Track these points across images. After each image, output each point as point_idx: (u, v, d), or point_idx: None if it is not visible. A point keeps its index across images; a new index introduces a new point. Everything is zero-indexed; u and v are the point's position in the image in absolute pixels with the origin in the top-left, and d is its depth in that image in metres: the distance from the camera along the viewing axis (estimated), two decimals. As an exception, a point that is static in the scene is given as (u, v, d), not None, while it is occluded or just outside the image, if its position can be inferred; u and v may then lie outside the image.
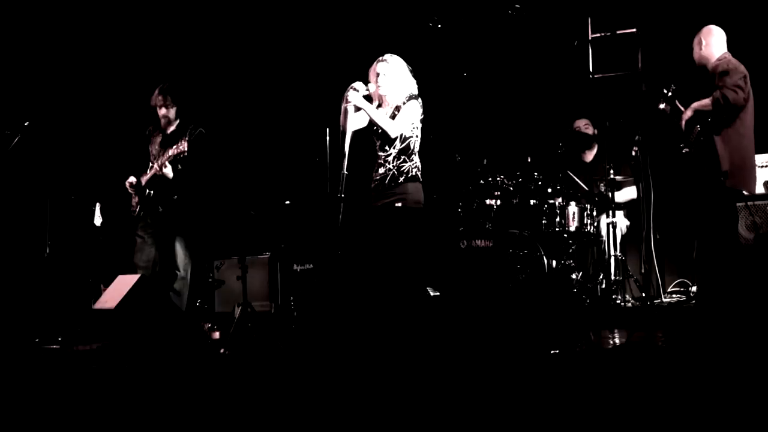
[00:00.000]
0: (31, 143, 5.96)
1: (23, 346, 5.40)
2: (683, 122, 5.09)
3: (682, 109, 5.25)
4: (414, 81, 4.67)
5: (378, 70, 4.62)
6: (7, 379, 4.21)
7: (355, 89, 4.48)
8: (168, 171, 5.31)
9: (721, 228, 5.02)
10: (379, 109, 4.63)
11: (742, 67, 5.01)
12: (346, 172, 4.49)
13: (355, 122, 4.55)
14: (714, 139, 5.01)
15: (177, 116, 5.52)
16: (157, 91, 5.49)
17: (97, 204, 6.00)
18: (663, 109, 5.36)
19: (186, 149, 5.18)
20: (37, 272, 6.34)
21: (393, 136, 4.51)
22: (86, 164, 7.02)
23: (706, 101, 5.01)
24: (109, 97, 7.29)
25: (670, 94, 5.32)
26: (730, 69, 4.99)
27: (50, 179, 6.64)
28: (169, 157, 5.26)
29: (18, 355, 5.08)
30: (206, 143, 5.44)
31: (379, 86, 4.61)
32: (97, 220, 6.00)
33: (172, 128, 5.55)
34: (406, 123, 4.54)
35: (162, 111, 5.48)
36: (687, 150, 5.12)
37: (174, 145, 5.28)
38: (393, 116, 4.59)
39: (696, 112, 5.07)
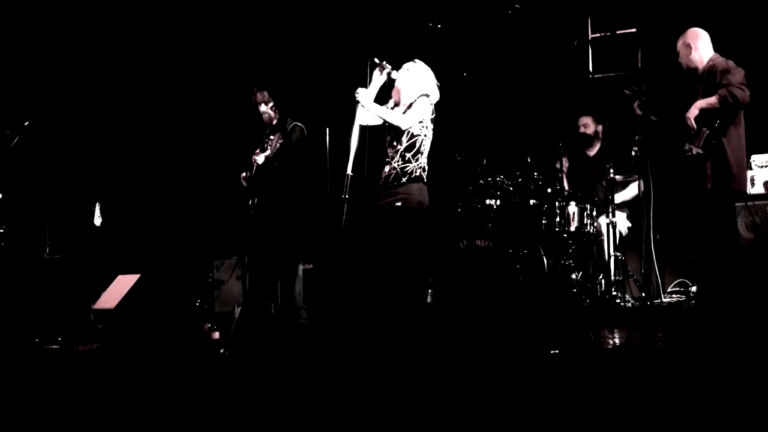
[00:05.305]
0: (31, 143, 5.97)
1: (23, 346, 5.41)
2: (688, 121, 5.00)
3: (643, 99, 5.27)
4: (435, 89, 4.68)
5: (403, 68, 4.71)
6: (7, 379, 4.21)
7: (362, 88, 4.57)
8: (259, 159, 5.40)
9: (725, 229, 5.00)
10: (394, 108, 4.67)
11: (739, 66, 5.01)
12: (350, 173, 4.50)
13: (366, 119, 4.63)
14: (722, 141, 4.96)
15: (276, 111, 5.62)
16: (255, 89, 5.67)
17: (97, 204, 6.01)
18: (633, 108, 5.42)
19: (282, 143, 5.37)
20: (37, 272, 6.34)
21: (404, 128, 4.55)
22: (86, 164, 7.03)
23: (712, 99, 4.92)
24: (109, 98, 7.30)
25: (630, 93, 5.36)
26: (730, 67, 4.97)
27: (50, 179, 6.65)
28: (272, 148, 5.43)
29: (18, 355, 5.09)
30: (300, 137, 5.50)
31: (397, 84, 4.66)
32: (97, 220, 6.00)
33: (274, 122, 5.70)
34: (414, 117, 4.56)
35: (261, 107, 5.66)
36: (697, 152, 5.03)
37: (274, 139, 5.47)
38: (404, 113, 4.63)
39: (702, 111, 5.00)
